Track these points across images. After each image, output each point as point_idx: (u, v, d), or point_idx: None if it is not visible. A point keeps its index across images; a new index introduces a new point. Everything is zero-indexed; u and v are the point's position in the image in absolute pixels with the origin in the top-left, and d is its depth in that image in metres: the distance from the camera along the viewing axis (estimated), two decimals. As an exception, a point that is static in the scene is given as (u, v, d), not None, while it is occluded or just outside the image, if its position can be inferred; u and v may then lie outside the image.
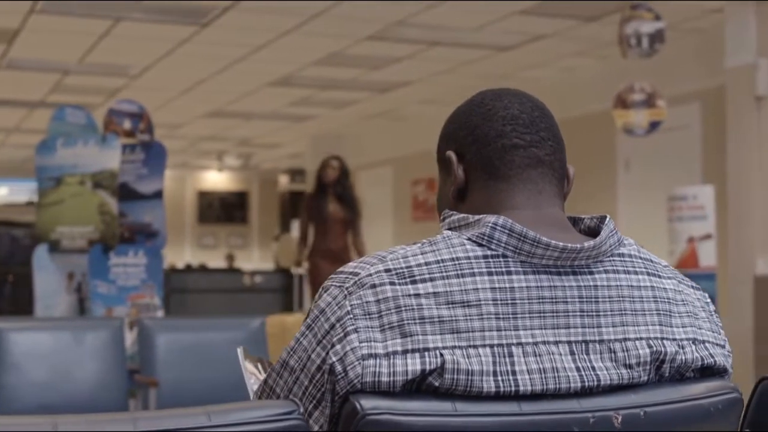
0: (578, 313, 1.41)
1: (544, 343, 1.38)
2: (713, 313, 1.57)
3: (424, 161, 12.79)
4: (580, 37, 8.45)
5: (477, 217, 1.45)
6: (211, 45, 8.66)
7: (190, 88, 10.71)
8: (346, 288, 1.39)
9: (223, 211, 19.51)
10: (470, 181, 1.53)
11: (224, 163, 18.05)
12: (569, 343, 1.39)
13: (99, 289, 5.53)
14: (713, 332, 1.53)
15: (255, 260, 18.96)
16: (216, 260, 18.27)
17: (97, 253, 5.53)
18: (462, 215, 1.47)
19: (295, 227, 17.23)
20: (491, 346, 1.35)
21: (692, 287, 1.57)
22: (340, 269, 1.45)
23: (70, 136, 5.64)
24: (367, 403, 1.31)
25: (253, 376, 1.84)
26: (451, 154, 1.55)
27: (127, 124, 5.76)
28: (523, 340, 1.37)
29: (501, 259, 1.40)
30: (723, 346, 1.54)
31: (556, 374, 1.37)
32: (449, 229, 1.47)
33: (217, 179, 19.41)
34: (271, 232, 18.79)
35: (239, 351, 1.86)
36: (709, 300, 1.59)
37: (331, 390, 1.36)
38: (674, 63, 8.19)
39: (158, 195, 5.79)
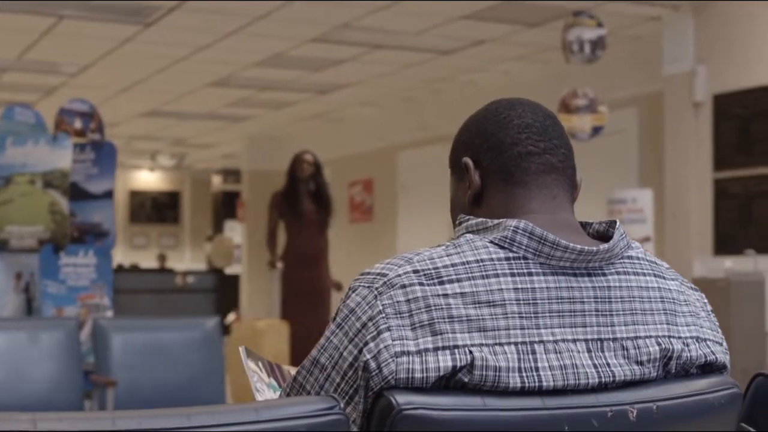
0: (593, 313, 1.48)
1: (563, 341, 1.45)
2: (710, 312, 1.65)
3: (361, 163, 12.87)
4: (522, 42, 8.57)
5: (496, 221, 1.51)
6: (154, 44, 8.61)
7: (128, 87, 10.63)
8: (376, 288, 1.45)
9: (155, 211, 19.36)
10: (486, 186, 1.60)
11: (157, 163, 17.91)
12: (586, 341, 1.46)
13: (49, 289, 5.49)
14: (712, 331, 1.61)
15: (187, 260, 18.86)
16: (147, 260, 18.14)
17: (48, 252, 5.49)
18: (480, 219, 1.54)
19: (229, 227, 17.20)
20: (516, 343, 1.42)
21: (691, 288, 1.65)
22: (366, 270, 1.50)
23: (20, 135, 5.59)
24: (402, 399, 1.36)
25: (256, 374, 1.88)
26: (468, 161, 1.61)
27: (78, 124, 5.73)
28: (545, 338, 1.44)
29: (522, 261, 1.46)
30: (721, 344, 1.62)
31: (575, 370, 1.44)
32: (468, 232, 1.54)
33: (149, 179, 19.25)
34: (204, 232, 18.69)
35: (241, 350, 1.89)
36: (706, 300, 1.68)
37: (364, 386, 1.41)
38: (612, 68, 8.34)
39: (108, 195, 5.75)
